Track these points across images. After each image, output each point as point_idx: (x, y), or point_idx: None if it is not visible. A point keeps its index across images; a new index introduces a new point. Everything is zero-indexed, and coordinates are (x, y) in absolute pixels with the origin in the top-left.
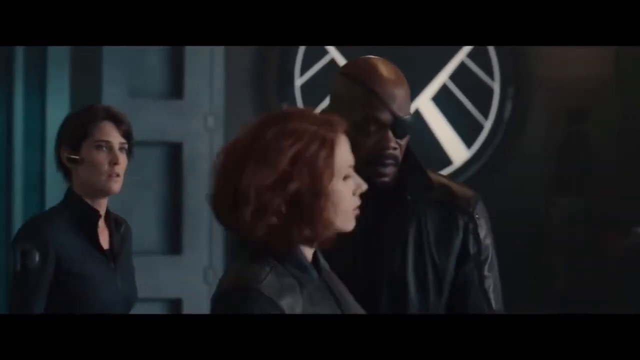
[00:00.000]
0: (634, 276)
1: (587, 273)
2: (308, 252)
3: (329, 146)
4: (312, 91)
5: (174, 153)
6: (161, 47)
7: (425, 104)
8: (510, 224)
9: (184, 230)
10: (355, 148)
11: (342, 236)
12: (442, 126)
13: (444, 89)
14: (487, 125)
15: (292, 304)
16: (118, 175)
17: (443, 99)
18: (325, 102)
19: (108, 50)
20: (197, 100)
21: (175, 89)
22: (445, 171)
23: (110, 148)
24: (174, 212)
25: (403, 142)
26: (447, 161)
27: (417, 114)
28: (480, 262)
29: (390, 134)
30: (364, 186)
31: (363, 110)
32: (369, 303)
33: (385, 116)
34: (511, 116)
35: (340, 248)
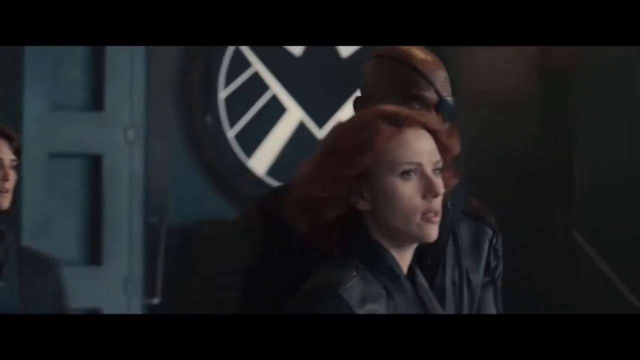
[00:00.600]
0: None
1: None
2: (403, 262)
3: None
4: (235, 103)
5: (94, 165)
6: (82, 59)
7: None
8: None
9: (104, 241)
10: None
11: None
12: None
13: None
14: None
15: (373, 313)
16: (7, 191)
17: None
18: (252, 111)
19: (30, 64)
20: (117, 112)
21: (96, 102)
22: None
23: (1, 164)
24: (94, 223)
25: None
26: None
27: None
28: (496, 278)
29: (435, 113)
30: (438, 189)
31: (406, 90)
32: None
33: (430, 95)
34: None
35: None
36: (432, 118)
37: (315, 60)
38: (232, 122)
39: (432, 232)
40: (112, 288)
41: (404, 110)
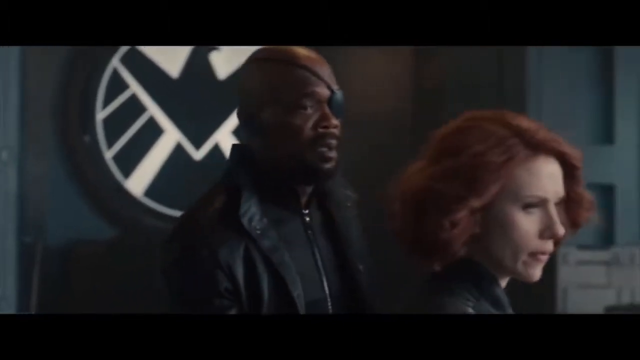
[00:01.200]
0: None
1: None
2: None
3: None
4: (113, 124)
5: None
6: None
7: (225, 138)
8: None
9: None
10: (293, 133)
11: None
12: None
13: None
14: None
15: None
16: None
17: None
18: (130, 132)
19: None
20: None
21: None
22: None
23: None
24: None
25: (339, 122)
26: None
27: (218, 148)
28: None
29: (327, 109)
30: (559, 231)
31: (298, 89)
32: (337, 302)
33: (322, 90)
34: None
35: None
36: (570, 148)
37: (192, 81)
38: (110, 143)
39: (537, 272)
40: None
41: (542, 131)
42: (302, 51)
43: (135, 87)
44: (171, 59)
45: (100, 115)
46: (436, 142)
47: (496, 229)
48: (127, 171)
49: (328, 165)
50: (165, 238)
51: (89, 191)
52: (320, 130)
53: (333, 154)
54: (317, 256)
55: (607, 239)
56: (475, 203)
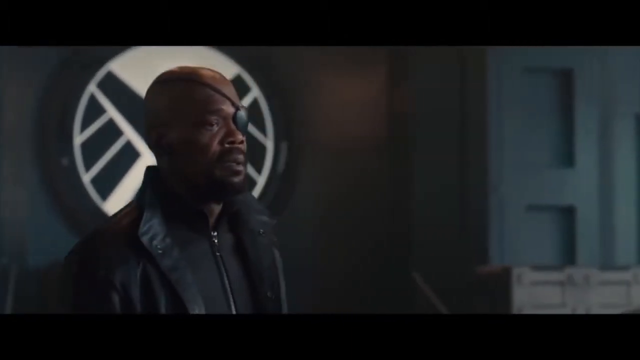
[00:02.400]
0: None
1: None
2: None
3: None
4: (91, 148)
5: None
6: None
7: None
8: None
9: None
10: (200, 150)
11: None
12: None
13: None
14: (261, 180)
15: None
16: None
17: None
18: (108, 156)
19: None
20: None
21: None
22: None
23: None
24: None
25: (244, 138)
26: None
27: None
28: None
29: (233, 125)
30: None
31: (204, 107)
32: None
33: (227, 107)
34: (284, 171)
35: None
36: None
37: None
38: (88, 167)
39: None
40: None
41: None
42: (205, 71)
43: (112, 112)
44: (147, 82)
45: (78, 139)
46: None
47: None
48: (105, 194)
49: (237, 179)
50: (70, 250)
51: (67, 214)
52: (227, 145)
53: (241, 168)
54: (225, 278)
55: (567, 259)
56: None
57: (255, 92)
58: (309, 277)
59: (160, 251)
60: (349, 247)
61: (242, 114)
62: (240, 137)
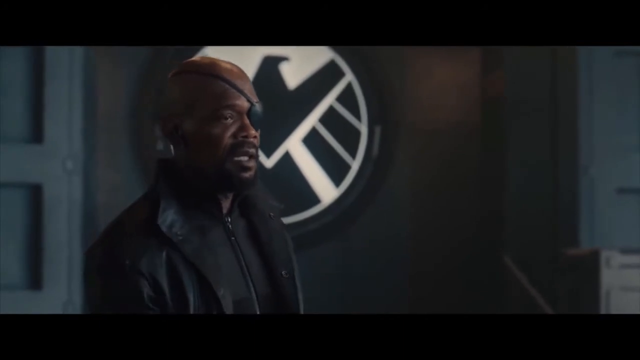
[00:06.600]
0: None
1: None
2: None
3: None
4: None
5: (34, 194)
6: (23, 94)
7: (295, 146)
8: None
9: (44, 267)
10: (213, 142)
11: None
12: (311, 167)
13: (313, 131)
14: (355, 165)
15: None
16: None
17: (312, 141)
18: None
19: None
20: (56, 144)
21: (36, 134)
22: (315, 209)
23: None
24: (35, 249)
25: (258, 133)
26: (316, 200)
27: (288, 155)
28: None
29: (247, 120)
30: None
31: (219, 101)
32: (263, 302)
33: (241, 102)
34: (378, 156)
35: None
36: None
37: (262, 91)
38: None
39: None
40: (53, 311)
41: None
42: (224, 64)
43: None
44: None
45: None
46: None
47: None
48: None
49: (247, 174)
50: (90, 245)
51: None
52: (240, 139)
53: (252, 163)
54: (242, 261)
55: None
56: None
57: (349, 77)
58: (406, 258)
59: (180, 237)
60: (441, 230)
61: (257, 109)
62: (253, 132)
